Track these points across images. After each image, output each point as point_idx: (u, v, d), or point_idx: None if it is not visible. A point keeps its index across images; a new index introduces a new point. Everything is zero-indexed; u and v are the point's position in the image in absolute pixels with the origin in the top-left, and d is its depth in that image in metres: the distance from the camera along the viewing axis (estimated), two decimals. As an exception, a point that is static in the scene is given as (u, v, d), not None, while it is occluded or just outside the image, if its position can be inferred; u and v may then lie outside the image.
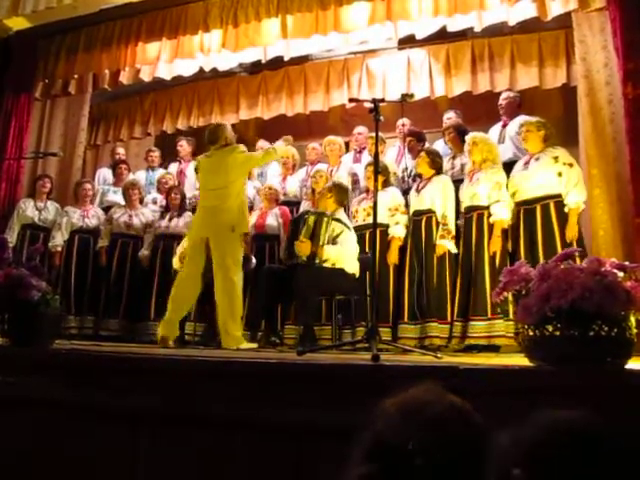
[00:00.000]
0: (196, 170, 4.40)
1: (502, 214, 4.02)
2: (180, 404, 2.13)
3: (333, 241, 3.98)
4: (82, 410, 2.28)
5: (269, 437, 1.97)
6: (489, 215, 4.07)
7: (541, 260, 3.33)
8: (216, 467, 2.05)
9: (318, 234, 3.93)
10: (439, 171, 4.47)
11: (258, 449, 1.98)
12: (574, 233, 3.81)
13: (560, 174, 3.92)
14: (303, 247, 3.93)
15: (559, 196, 3.92)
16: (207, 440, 2.07)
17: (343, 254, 3.97)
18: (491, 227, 4.05)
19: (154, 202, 5.80)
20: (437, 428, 0.86)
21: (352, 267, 4.02)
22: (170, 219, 5.29)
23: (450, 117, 5.15)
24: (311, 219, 4.00)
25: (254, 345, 3.92)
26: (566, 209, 3.88)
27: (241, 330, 3.87)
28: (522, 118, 4.59)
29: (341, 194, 4.32)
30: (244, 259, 4.62)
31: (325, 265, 3.94)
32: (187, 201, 5.46)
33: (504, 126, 4.87)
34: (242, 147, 4.17)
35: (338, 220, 4.09)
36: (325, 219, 3.98)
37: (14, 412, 2.40)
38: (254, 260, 4.81)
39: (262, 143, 5.77)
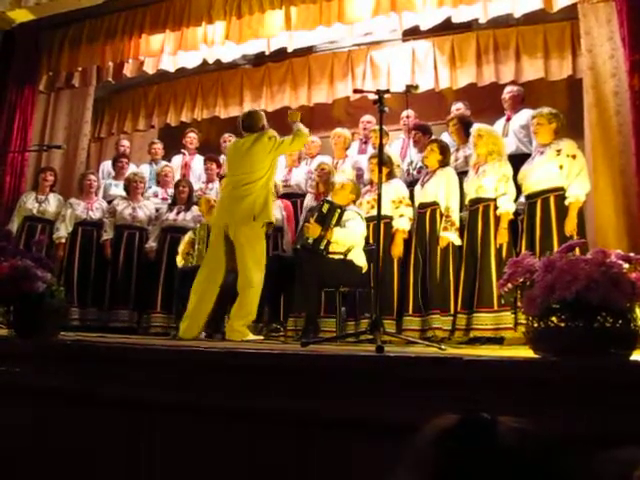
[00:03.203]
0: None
1: (508, 207, 4.01)
2: (182, 395, 2.13)
3: (342, 225, 4.06)
4: (85, 400, 2.29)
5: (272, 428, 1.97)
6: (495, 207, 4.06)
7: (538, 254, 3.32)
8: (218, 458, 2.06)
9: (329, 221, 4.01)
10: (445, 165, 4.45)
11: (261, 440, 1.99)
12: (573, 227, 3.77)
13: (561, 167, 3.89)
14: (312, 229, 4.01)
15: (560, 189, 3.88)
16: (209, 431, 2.07)
17: (351, 235, 4.06)
18: (497, 219, 4.04)
19: (155, 195, 5.80)
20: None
21: (360, 259, 4.05)
22: (178, 212, 5.29)
23: (459, 108, 5.12)
24: (325, 207, 4.10)
25: (260, 337, 3.92)
26: (566, 202, 3.84)
27: (247, 323, 3.80)
28: (527, 112, 4.57)
29: (355, 191, 4.45)
30: None
31: (333, 250, 3.99)
32: (193, 194, 5.46)
33: (508, 120, 4.85)
34: (271, 132, 4.04)
35: (351, 210, 4.21)
36: (338, 210, 4.07)
37: (18, 402, 2.41)
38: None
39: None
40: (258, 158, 3.89)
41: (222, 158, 5.68)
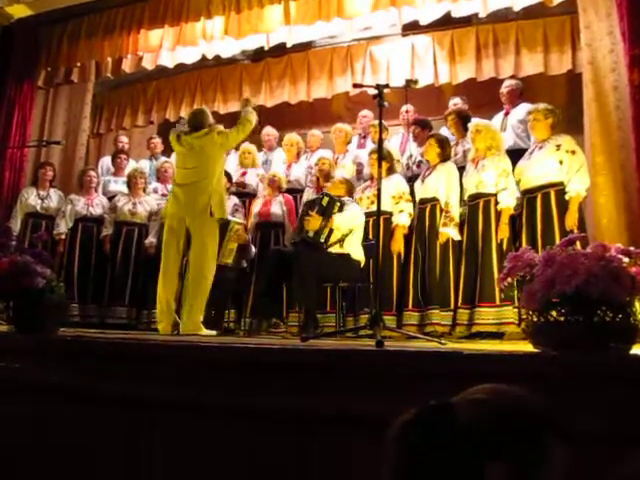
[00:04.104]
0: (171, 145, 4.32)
1: (509, 202, 4.01)
2: (182, 392, 2.13)
3: (341, 211, 4.09)
4: (85, 397, 2.29)
5: (272, 425, 1.97)
6: (496, 202, 4.06)
7: (540, 249, 3.33)
8: (218, 455, 2.06)
9: (329, 214, 4.01)
10: (446, 159, 4.44)
11: (261, 437, 1.99)
12: (574, 221, 3.78)
13: (561, 162, 3.89)
14: (312, 221, 4.01)
15: (560, 184, 3.89)
16: (209, 428, 2.07)
17: (350, 218, 4.06)
18: (498, 214, 4.04)
19: (155, 191, 5.80)
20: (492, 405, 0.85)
21: (358, 253, 4.05)
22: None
23: (456, 103, 5.13)
24: (325, 200, 4.09)
25: (214, 332, 3.97)
26: (567, 197, 3.85)
27: (201, 317, 3.89)
28: (525, 106, 4.57)
29: (351, 188, 4.53)
30: (244, 248, 4.65)
31: (333, 239, 3.99)
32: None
33: (506, 114, 4.85)
34: (220, 127, 4.14)
35: (347, 200, 4.25)
36: (338, 203, 4.07)
37: (18, 398, 2.41)
38: (254, 249, 4.83)
39: (268, 130, 5.75)
40: (211, 154, 3.97)
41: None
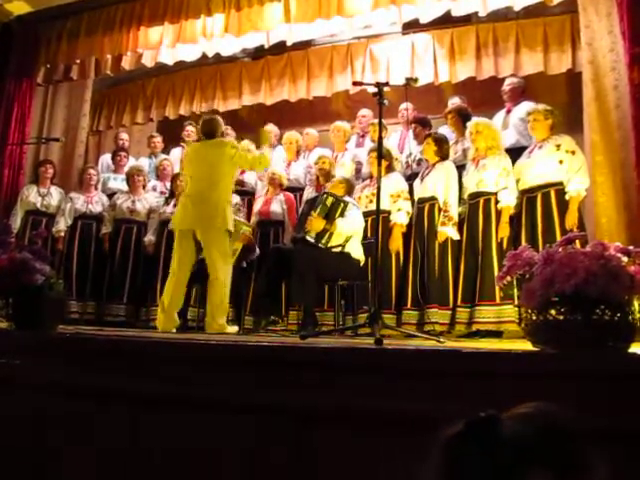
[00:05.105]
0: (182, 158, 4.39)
1: (509, 200, 4.01)
2: (182, 389, 2.13)
3: (342, 215, 4.08)
4: (83, 394, 2.29)
5: (271, 422, 1.97)
6: (496, 201, 4.06)
7: (540, 248, 3.33)
8: (217, 451, 2.06)
9: (333, 216, 3.99)
10: (444, 157, 4.44)
11: (260, 434, 1.99)
12: (574, 221, 3.80)
13: (561, 162, 3.91)
14: (315, 223, 4.01)
15: (560, 184, 3.91)
16: (208, 425, 2.07)
17: (351, 224, 4.06)
18: (498, 213, 4.04)
19: (154, 189, 5.80)
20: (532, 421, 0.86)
21: (357, 252, 4.05)
22: (174, 205, 5.28)
23: (455, 102, 5.13)
24: (329, 200, 4.07)
25: (235, 329, 4.01)
26: (567, 197, 3.87)
27: (225, 318, 3.93)
28: (527, 104, 4.57)
29: (350, 188, 4.53)
30: (248, 249, 4.66)
31: (334, 242, 3.99)
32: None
33: (508, 112, 4.84)
34: (234, 142, 4.16)
35: (349, 201, 4.25)
36: (342, 204, 4.06)
37: (17, 395, 2.41)
38: (257, 250, 4.84)
39: (270, 127, 5.76)
40: (220, 165, 3.97)
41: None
